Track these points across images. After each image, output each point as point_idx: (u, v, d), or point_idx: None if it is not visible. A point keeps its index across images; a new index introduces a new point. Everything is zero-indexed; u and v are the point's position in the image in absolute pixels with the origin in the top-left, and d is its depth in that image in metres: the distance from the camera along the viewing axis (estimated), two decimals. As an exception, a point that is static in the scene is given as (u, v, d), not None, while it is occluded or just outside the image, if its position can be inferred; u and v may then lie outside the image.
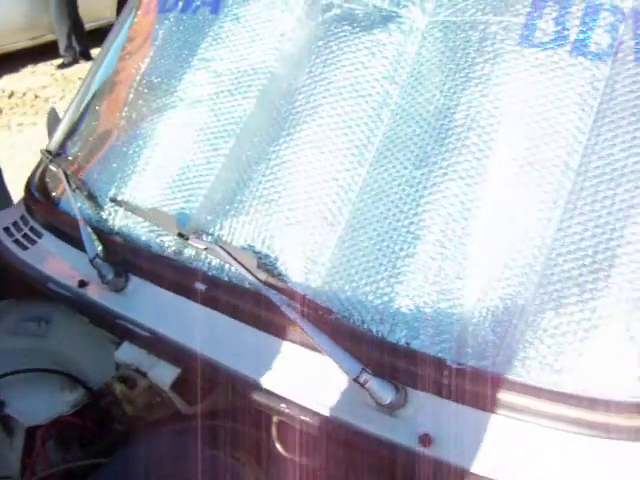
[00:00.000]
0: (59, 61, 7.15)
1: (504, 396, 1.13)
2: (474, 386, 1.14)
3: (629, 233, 1.14)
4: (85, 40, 7.14)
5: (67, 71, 6.97)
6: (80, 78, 6.30)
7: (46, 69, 7.11)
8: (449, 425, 1.14)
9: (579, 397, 1.09)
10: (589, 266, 1.15)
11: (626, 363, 1.09)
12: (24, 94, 6.47)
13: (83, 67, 6.78)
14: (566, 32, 1.30)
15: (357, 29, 1.50)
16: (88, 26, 7.21)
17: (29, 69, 7.08)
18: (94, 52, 7.00)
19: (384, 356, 1.22)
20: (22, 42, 6.91)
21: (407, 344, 1.22)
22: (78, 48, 7.11)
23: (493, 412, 1.13)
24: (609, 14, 1.28)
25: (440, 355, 1.19)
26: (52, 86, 6.68)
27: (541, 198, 1.22)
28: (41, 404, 1.55)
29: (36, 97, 6.41)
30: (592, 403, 1.08)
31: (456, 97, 1.34)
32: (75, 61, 7.11)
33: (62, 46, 7.09)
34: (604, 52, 1.27)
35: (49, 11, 6.75)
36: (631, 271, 1.12)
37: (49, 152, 1.91)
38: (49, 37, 7.11)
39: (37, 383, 1.59)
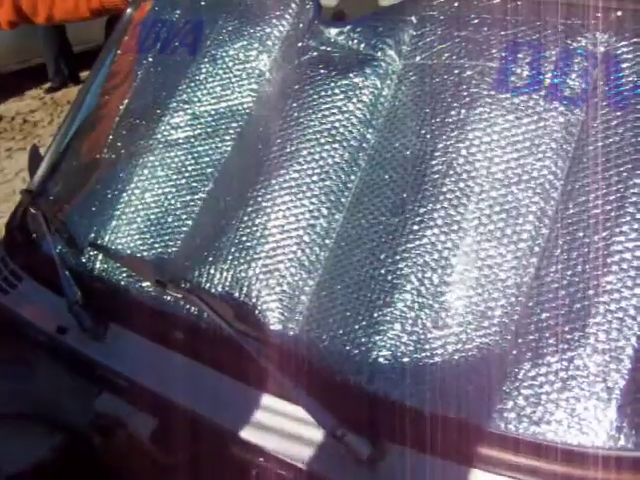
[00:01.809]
0: (48, 85, 7.14)
1: (482, 448, 1.12)
2: (452, 438, 1.14)
3: (605, 282, 1.14)
4: (74, 63, 7.14)
5: (56, 95, 6.97)
6: (69, 102, 6.30)
7: (35, 93, 7.10)
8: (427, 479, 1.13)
9: (557, 449, 1.09)
10: (566, 315, 1.15)
11: (604, 414, 1.09)
12: (12, 119, 6.46)
13: (72, 91, 6.77)
14: (540, 77, 1.30)
15: (333, 72, 1.50)
16: (76, 49, 7.20)
17: (17, 93, 7.07)
18: (83, 75, 7.00)
19: (362, 407, 1.21)
20: (10, 66, 6.89)
21: (385, 395, 1.21)
22: (67, 71, 7.11)
23: (471, 466, 1.12)
24: (582, 59, 1.28)
25: (418, 406, 1.18)
26: (41, 110, 6.67)
27: (518, 246, 1.22)
28: (21, 450, 1.53)
29: (25, 121, 6.40)
30: (570, 455, 1.08)
31: (432, 142, 1.34)
32: (64, 84, 7.10)
33: (51, 70, 7.09)
34: (578, 97, 1.27)
35: (37, 35, 6.74)
36: (607, 321, 1.12)
37: (29, 192, 1.90)
38: (37, 61, 7.10)
39: (17, 427, 1.58)
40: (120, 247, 1.62)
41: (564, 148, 1.25)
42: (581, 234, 1.18)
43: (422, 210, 1.29)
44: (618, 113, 1.22)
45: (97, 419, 1.45)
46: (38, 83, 7.17)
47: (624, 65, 1.24)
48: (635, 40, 1.24)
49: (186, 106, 1.70)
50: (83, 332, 1.52)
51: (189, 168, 1.63)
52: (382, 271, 1.29)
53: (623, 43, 1.25)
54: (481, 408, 1.15)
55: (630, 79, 1.23)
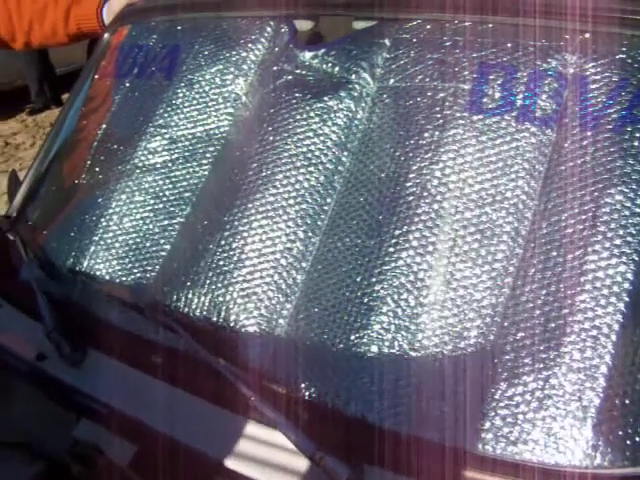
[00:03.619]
0: (30, 107, 7.11)
1: (459, 469, 1.12)
2: (429, 460, 1.14)
3: (579, 301, 1.15)
4: (56, 85, 7.13)
5: (38, 117, 6.95)
6: (52, 124, 6.27)
7: (17, 115, 7.07)
8: (406, 502, 1.13)
9: (534, 468, 1.09)
10: (541, 335, 1.15)
11: (580, 432, 1.09)
12: (-6, 141, 6.44)
13: (54, 113, 6.74)
14: (512, 98, 1.32)
15: (308, 96, 1.51)
16: (59, 71, 7.19)
17: (-1, 116, 7.05)
18: (66, 97, 6.96)
19: (340, 430, 1.21)
20: (-8, 89, 6.87)
21: (362, 417, 1.21)
22: (50, 94, 7.09)
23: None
24: (553, 80, 1.30)
25: (395, 428, 1.18)
26: (23, 132, 6.65)
27: (492, 266, 1.23)
28: (1, 479, 1.52)
29: (6, 144, 6.37)
30: (548, 474, 1.08)
31: (406, 164, 1.35)
32: (47, 107, 7.08)
33: (33, 92, 7.07)
34: (550, 118, 1.29)
35: (19, 57, 6.73)
36: (582, 340, 1.13)
37: (8, 217, 1.90)
38: (20, 83, 7.07)
39: (-2, 456, 1.56)
40: (98, 273, 1.62)
41: (536, 168, 1.27)
42: (555, 254, 1.20)
43: (397, 232, 1.30)
44: (588, 133, 1.24)
45: (76, 447, 1.44)
46: (20, 105, 7.15)
47: (593, 86, 1.26)
48: (603, 61, 1.26)
49: (163, 131, 1.71)
50: (61, 359, 1.51)
51: (167, 193, 1.63)
52: (358, 293, 1.29)
53: (591, 64, 1.27)
54: (458, 429, 1.15)
55: (599, 99, 1.25)
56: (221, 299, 1.41)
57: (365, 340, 1.25)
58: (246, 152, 1.55)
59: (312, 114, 1.49)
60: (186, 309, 1.44)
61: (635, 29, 1.27)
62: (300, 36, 1.67)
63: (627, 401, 1.09)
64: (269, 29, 1.69)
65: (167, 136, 1.70)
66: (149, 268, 1.56)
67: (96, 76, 1.99)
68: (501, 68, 1.34)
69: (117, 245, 1.63)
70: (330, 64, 1.54)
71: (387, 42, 1.49)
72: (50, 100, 7.11)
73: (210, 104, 1.68)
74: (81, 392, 1.47)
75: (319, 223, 1.40)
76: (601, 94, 1.25)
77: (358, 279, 1.30)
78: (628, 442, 1.07)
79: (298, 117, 1.50)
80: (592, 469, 1.07)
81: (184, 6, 1.88)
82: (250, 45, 1.69)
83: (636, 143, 1.21)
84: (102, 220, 1.67)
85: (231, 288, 1.41)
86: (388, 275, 1.28)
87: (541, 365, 1.14)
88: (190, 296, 1.45)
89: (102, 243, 1.64)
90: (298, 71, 1.57)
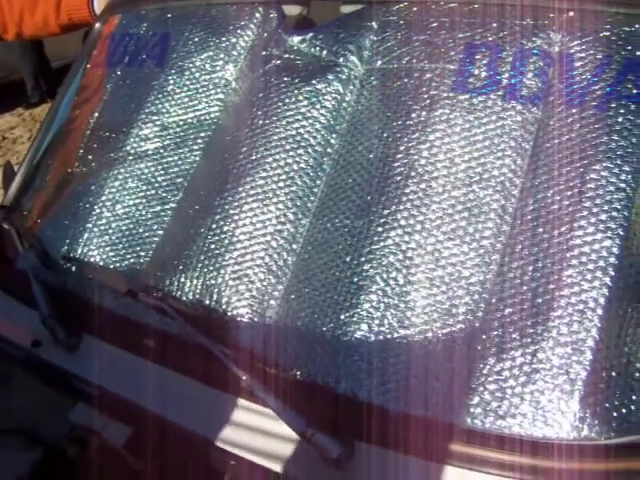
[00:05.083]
0: (26, 101, 7.10)
1: (449, 444, 1.14)
2: (420, 435, 1.15)
3: (566, 276, 1.16)
4: (52, 79, 7.10)
5: (35, 111, 6.92)
6: (48, 118, 6.25)
7: (14, 109, 7.06)
8: (396, 478, 1.14)
9: (523, 442, 1.11)
10: (528, 310, 1.17)
11: (567, 405, 1.11)
12: (-9, 136, 6.43)
13: (51, 106, 6.72)
14: (498, 77, 1.33)
15: (296, 80, 1.52)
16: (55, 64, 7.17)
17: (-5, 110, 7.04)
18: (61, 91, 6.94)
19: (330, 407, 1.23)
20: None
21: (353, 394, 1.23)
22: (45, 87, 7.08)
23: (439, 462, 1.13)
24: (538, 58, 1.31)
25: (385, 405, 1.20)
26: (20, 126, 6.64)
27: (480, 243, 1.24)
28: (1, 466, 1.53)
29: (4, 138, 6.37)
30: (536, 447, 1.10)
31: (394, 145, 1.36)
32: (43, 100, 7.07)
33: (29, 86, 7.05)
34: (535, 96, 1.30)
35: (14, 50, 6.71)
36: (569, 314, 1.14)
37: (3, 207, 1.91)
38: (16, 76, 7.06)
39: (-3, 444, 1.58)
40: (92, 259, 1.63)
41: (523, 146, 1.28)
42: (541, 230, 1.21)
43: (386, 212, 1.31)
44: (573, 110, 1.25)
45: (73, 430, 1.45)
46: (17, 100, 7.13)
47: (578, 64, 1.27)
48: (587, 39, 1.27)
49: (155, 117, 1.72)
50: (56, 344, 1.52)
51: (159, 179, 1.65)
52: (348, 273, 1.31)
53: (576, 42, 1.28)
54: (448, 404, 1.17)
55: (584, 77, 1.26)
56: (213, 282, 1.42)
57: (355, 319, 1.27)
58: (236, 137, 1.56)
59: (301, 97, 1.50)
60: (179, 292, 1.46)
61: (619, 6, 1.28)
62: (288, 21, 1.68)
63: (613, 373, 1.10)
64: (258, 15, 1.69)
65: (158, 123, 1.71)
66: (142, 253, 1.58)
67: (88, 66, 2.00)
68: (487, 48, 1.35)
69: (110, 231, 1.64)
70: (318, 48, 1.55)
71: (374, 25, 1.50)
72: (46, 94, 7.08)
73: (201, 90, 1.69)
74: (77, 376, 1.48)
75: (309, 205, 1.41)
76: (586, 71, 1.27)
77: (348, 259, 1.32)
78: (615, 414, 1.09)
79: (287, 101, 1.51)
80: (580, 441, 1.09)
81: (174, -6, 1.89)
82: (239, 31, 1.70)
83: (620, 119, 1.22)
84: (95, 207, 1.68)
85: (223, 271, 1.42)
86: (377, 254, 1.29)
87: (529, 340, 1.15)
88: (182, 280, 1.46)
89: (96, 230, 1.66)
90: (287, 56, 1.58)
